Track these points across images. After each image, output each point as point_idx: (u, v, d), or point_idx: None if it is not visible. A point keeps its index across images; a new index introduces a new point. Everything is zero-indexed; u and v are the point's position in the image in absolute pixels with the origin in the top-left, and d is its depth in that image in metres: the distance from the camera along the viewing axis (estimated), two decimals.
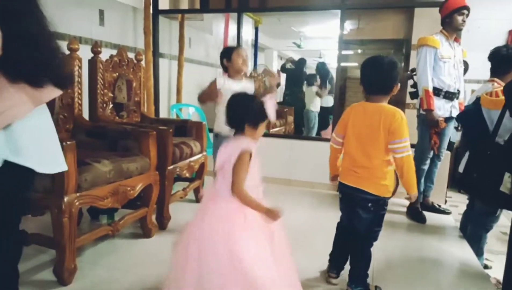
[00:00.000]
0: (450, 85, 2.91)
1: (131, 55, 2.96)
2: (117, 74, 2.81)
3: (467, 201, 2.82)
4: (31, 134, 1.12)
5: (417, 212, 3.12)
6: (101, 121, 2.63)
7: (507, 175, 2.04)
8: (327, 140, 2.76)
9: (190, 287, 1.36)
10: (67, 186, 1.73)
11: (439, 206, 3.33)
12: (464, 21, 2.86)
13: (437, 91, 2.90)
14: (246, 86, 2.46)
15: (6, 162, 1.07)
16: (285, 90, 6.57)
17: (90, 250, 2.27)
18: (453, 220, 3.14)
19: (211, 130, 2.91)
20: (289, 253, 1.51)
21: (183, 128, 3.13)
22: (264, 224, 1.43)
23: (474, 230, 2.57)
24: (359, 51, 6.63)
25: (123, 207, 2.20)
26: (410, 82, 3.49)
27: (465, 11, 2.85)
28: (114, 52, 2.85)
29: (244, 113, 1.46)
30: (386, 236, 2.23)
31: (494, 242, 3.18)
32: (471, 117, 2.31)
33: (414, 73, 3.17)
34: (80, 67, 2.39)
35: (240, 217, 1.39)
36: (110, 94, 2.77)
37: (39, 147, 1.15)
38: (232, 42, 5.45)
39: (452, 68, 2.91)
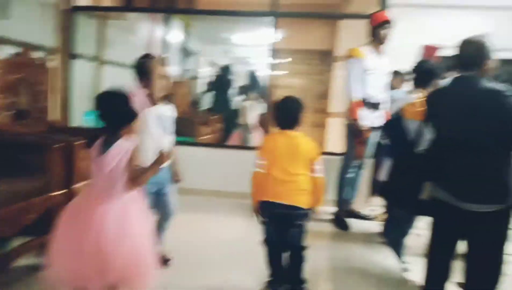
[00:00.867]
0: (375, 96, 3.01)
1: (39, 54, 2.60)
2: (19, 75, 2.45)
3: (386, 208, 2.92)
4: None
5: (341, 220, 3.17)
6: None
7: (427, 183, 2.12)
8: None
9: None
10: None
11: (362, 213, 3.42)
12: (387, 35, 2.99)
13: (363, 102, 2.98)
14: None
15: None
16: (212, 97, 6.38)
17: None
18: (375, 226, 3.23)
19: None
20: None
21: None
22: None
23: (394, 236, 2.66)
24: (287, 60, 6.76)
25: (20, 235, 1.86)
26: None
27: (388, 25, 2.98)
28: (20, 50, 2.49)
29: (117, 116, 1.64)
30: (314, 245, 2.22)
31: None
32: (394, 127, 2.40)
33: None
34: None
35: (131, 209, 1.66)
36: (11, 99, 2.40)
37: None
38: (156, 45, 5.16)
39: (378, 79, 3.02)
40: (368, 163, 3.38)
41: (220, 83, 6.19)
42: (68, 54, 3.74)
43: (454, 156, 1.92)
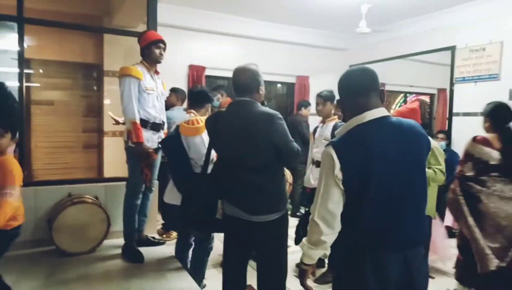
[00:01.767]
0: (156, 117, 2.91)
1: None
2: None
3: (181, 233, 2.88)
4: None
5: (133, 251, 2.92)
6: None
7: (219, 202, 2.20)
8: None
9: None
10: None
11: (154, 238, 3.27)
12: (161, 54, 2.92)
13: (144, 123, 2.83)
14: None
15: None
16: None
17: None
18: (169, 250, 3.14)
19: None
20: None
21: None
22: None
23: (198, 256, 2.64)
24: (41, 71, 5.81)
25: None
26: None
27: (162, 45, 2.92)
28: None
29: None
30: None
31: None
32: (172, 145, 2.44)
33: None
34: None
35: None
36: None
37: None
38: None
39: (156, 99, 2.92)
40: (156, 185, 3.26)
41: None
42: None
43: (235, 174, 2.06)
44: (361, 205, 1.35)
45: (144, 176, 2.84)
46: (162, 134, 3.00)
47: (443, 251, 3.38)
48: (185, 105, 4.32)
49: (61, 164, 4.62)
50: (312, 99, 5.90)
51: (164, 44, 2.94)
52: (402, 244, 1.39)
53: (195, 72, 5.64)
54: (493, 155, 2.36)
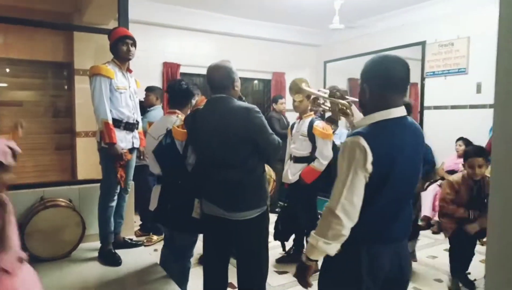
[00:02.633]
0: (129, 116, 2.85)
1: None
2: None
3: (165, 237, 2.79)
4: None
5: (110, 254, 2.86)
6: None
7: (196, 201, 2.18)
8: None
9: None
10: None
11: (131, 240, 3.22)
12: (129, 51, 2.83)
13: (117, 123, 2.77)
14: None
15: None
16: None
17: None
18: (148, 252, 3.10)
19: None
20: None
21: None
22: None
23: (181, 263, 2.50)
24: (8, 70, 5.59)
25: None
26: None
27: (129, 41, 2.83)
28: None
29: None
30: None
31: None
32: (169, 154, 2.27)
33: None
34: None
35: None
36: None
37: None
38: None
39: (129, 98, 2.87)
40: (132, 186, 3.21)
41: None
42: None
43: (214, 172, 2.06)
44: (372, 199, 1.34)
45: (119, 177, 2.79)
46: (136, 134, 2.95)
47: None
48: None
49: (32, 166, 4.46)
50: (288, 95, 5.94)
51: (132, 40, 2.85)
52: (396, 237, 1.44)
53: (169, 69, 5.57)
54: None
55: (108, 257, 2.84)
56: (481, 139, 3.98)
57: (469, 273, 3.02)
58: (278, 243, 3.58)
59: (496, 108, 0.91)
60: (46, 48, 4.70)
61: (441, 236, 3.85)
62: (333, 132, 3.78)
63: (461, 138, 4.63)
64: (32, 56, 4.70)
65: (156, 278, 2.59)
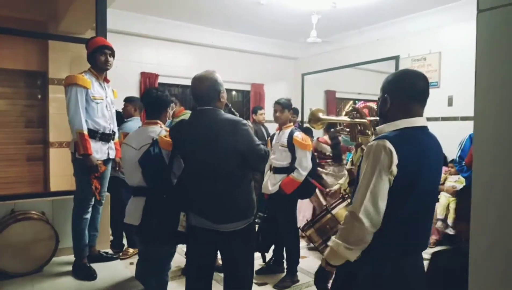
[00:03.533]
0: (105, 127, 2.79)
1: None
2: None
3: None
4: None
5: (85, 268, 2.76)
6: None
7: (182, 214, 2.14)
8: None
9: None
10: None
11: (107, 253, 3.13)
12: (108, 61, 2.78)
13: (93, 134, 2.71)
14: None
15: None
16: None
17: None
18: (124, 266, 3.01)
19: None
20: None
21: None
22: None
23: (159, 277, 2.43)
24: None
25: None
26: None
27: (107, 51, 2.79)
28: None
29: None
30: None
31: None
32: (156, 163, 2.22)
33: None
34: None
35: None
36: None
37: None
38: None
39: (105, 109, 2.81)
40: (107, 198, 3.13)
41: None
42: None
43: (201, 183, 2.04)
44: (398, 207, 1.31)
45: (93, 189, 2.71)
46: (112, 145, 2.89)
47: None
48: None
49: (2, 178, 4.29)
50: (267, 106, 5.98)
51: (111, 50, 2.81)
52: (418, 248, 1.45)
53: (147, 79, 5.52)
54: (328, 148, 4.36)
55: (82, 271, 2.73)
56: (451, 150, 4.11)
57: None
58: (258, 254, 3.56)
59: (476, 119, 0.95)
60: (19, 56, 4.57)
61: None
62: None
63: None
64: (3, 64, 4.56)
65: None
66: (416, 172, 1.32)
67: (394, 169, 1.28)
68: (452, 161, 4.22)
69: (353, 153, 2.61)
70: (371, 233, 1.30)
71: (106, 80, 2.90)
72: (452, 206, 3.99)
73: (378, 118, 1.59)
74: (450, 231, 3.96)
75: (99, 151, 2.76)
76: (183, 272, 3.23)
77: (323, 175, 4.33)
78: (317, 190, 3.99)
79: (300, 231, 2.90)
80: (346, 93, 7.03)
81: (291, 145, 3.30)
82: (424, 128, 1.43)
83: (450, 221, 3.97)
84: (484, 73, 0.92)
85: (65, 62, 4.44)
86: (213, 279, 2.20)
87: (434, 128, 5.01)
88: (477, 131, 0.93)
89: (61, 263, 2.90)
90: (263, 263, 3.61)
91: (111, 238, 4.04)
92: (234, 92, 6.96)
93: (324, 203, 4.09)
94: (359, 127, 1.99)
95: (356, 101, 7.39)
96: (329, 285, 1.45)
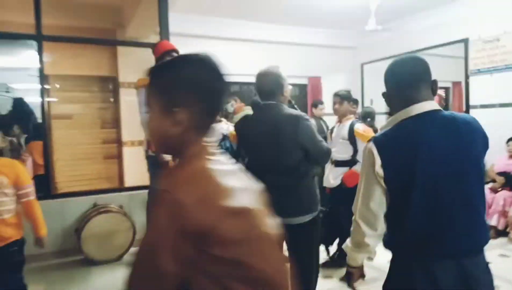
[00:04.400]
0: None
1: None
2: None
3: None
4: None
5: None
6: None
7: None
8: None
9: None
10: None
11: None
12: None
13: None
14: None
15: None
16: None
17: None
18: None
19: None
20: None
21: None
22: None
23: None
24: (58, 86, 5.96)
25: None
26: None
27: (175, 54, 2.96)
28: None
29: None
30: None
31: None
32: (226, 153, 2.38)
33: None
34: None
35: None
36: None
37: None
38: None
39: None
40: None
41: None
42: None
43: (266, 176, 2.08)
44: (406, 206, 1.23)
45: None
46: None
47: None
48: None
49: (83, 175, 4.72)
50: (325, 99, 5.90)
51: (178, 53, 2.98)
52: (454, 251, 1.23)
53: None
54: None
55: None
56: None
57: None
58: (322, 248, 3.56)
59: None
60: (92, 63, 4.98)
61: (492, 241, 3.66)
62: None
63: None
64: (79, 71, 5.00)
65: None
66: (409, 168, 1.21)
67: (380, 171, 1.24)
68: None
69: None
70: (372, 236, 1.31)
71: None
72: None
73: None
74: None
75: None
76: None
77: None
78: None
79: None
80: None
81: (352, 137, 3.24)
82: (422, 115, 1.27)
83: None
84: None
85: (133, 66, 4.75)
86: None
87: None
88: None
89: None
90: (328, 257, 3.60)
91: None
92: (290, 87, 6.95)
93: None
94: None
95: None
96: (357, 284, 1.47)
